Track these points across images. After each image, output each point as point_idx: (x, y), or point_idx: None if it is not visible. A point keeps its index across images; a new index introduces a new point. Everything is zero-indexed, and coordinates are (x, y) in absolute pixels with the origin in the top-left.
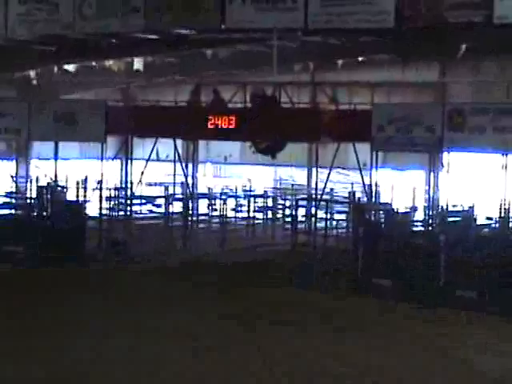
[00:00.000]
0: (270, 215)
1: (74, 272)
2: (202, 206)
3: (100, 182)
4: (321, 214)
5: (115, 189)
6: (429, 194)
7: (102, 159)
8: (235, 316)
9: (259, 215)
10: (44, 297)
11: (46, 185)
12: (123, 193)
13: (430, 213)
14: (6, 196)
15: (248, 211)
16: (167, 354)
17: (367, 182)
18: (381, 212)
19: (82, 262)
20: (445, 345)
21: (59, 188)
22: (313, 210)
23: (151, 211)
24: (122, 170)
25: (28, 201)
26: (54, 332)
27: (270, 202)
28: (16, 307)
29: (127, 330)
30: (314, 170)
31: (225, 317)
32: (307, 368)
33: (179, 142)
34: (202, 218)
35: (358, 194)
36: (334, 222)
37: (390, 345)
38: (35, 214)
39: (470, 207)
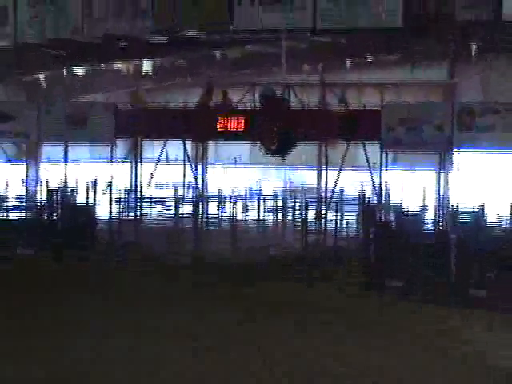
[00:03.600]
0: (279, 216)
1: (79, 272)
2: (212, 207)
3: (110, 184)
4: (331, 214)
5: (125, 191)
6: (439, 194)
7: (111, 161)
8: (236, 316)
9: (269, 216)
10: (47, 297)
11: (55, 187)
12: (133, 195)
13: (441, 213)
14: (16, 199)
15: (258, 212)
16: (167, 354)
17: (377, 182)
18: (391, 212)
19: (92, 263)
20: (445, 344)
21: (69, 190)
22: (323, 211)
23: (161, 213)
24: (131, 172)
25: (38, 204)
26: (54, 332)
27: (279, 204)
28: (23, 307)
29: (128, 330)
30: (323, 170)
31: (225, 317)
32: (307, 368)
33: (189, 143)
34: (212, 219)
35: (368, 195)
36: (344, 223)
37: (391, 344)
38: (45, 216)
39: (480, 207)
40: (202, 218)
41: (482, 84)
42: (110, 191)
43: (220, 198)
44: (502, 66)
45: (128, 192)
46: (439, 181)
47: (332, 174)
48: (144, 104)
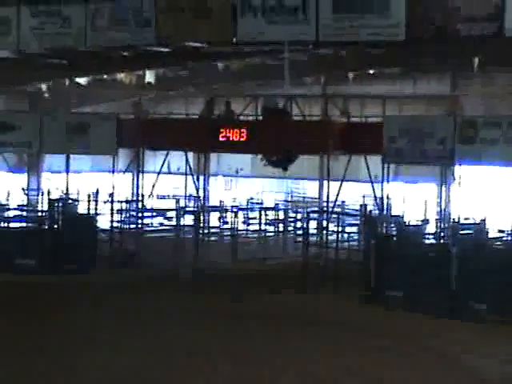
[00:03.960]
0: (281, 228)
1: (83, 284)
2: (214, 218)
3: (111, 195)
4: (332, 226)
5: (126, 201)
6: (440, 207)
7: (113, 172)
8: (242, 331)
9: (270, 228)
10: (52, 311)
11: (57, 198)
12: (134, 205)
13: (442, 225)
14: (17, 209)
15: (259, 224)
16: (180, 373)
17: (379, 194)
18: (392, 225)
19: (94, 274)
20: (457, 356)
21: (70, 201)
22: (324, 223)
23: (162, 224)
24: (133, 182)
25: (39, 214)
26: (66, 351)
27: (281, 215)
28: (23, 320)
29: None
30: (325, 182)
31: (229, 331)
32: (319, 382)
33: (190, 154)
34: (214, 230)
35: (369, 207)
36: (346, 235)
37: (402, 357)
38: (46, 226)
39: (481, 220)
40: (203, 229)
41: (485, 97)
42: (112, 201)
43: (221, 209)
44: (504, 79)
45: (129, 202)
46: (440, 194)
47: (333, 185)
48: (146, 114)
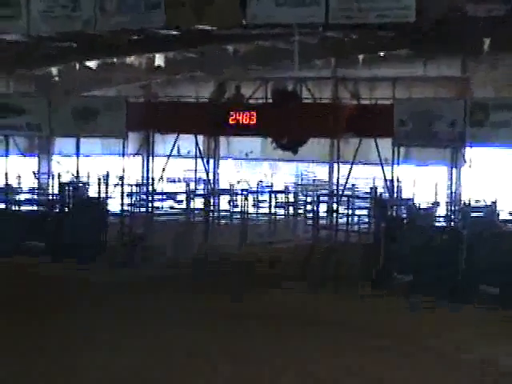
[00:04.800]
0: (291, 211)
1: (82, 283)
2: (224, 202)
3: (121, 178)
4: (342, 209)
5: (136, 185)
6: (451, 190)
7: (123, 155)
8: (242, 331)
9: (280, 211)
10: (52, 311)
11: (67, 181)
12: (144, 189)
13: (453, 208)
14: (28, 192)
15: (269, 207)
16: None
17: (389, 177)
18: (403, 207)
19: (104, 258)
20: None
21: (81, 184)
22: (334, 206)
23: (172, 207)
24: (143, 166)
25: (50, 197)
26: (66, 351)
27: (291, 198)
28: (23, 320)
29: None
30: (335, 165)
31: (229, 331)
32: (319, 382)
33: (200, 138)
34: (223, 213)
35: (379, 190)
36: (356, 218)
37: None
38: (57, 210)
39: (492, 202)
40: (213, 212)
41: (495, 79)
42: (122, 185)
43: (231, 192)
44: None
45: (139, 186)
46: (451, 176)
47: (343, 168)
48: (156, 98)
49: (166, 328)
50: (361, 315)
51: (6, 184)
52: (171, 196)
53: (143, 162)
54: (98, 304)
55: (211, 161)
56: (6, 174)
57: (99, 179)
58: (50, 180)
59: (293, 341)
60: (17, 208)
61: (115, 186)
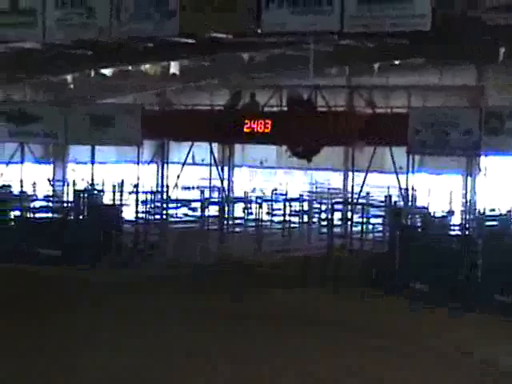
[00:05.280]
0: (305, 219)
1: (83, 283)
2: (238, 209)
3: (136, 186)
4: (357, 217)
5: (151, 192)
6: (466, 198)
7: (138, 163)
8: (242, 331)
9: (295, 219)
10: (52, 311)
11: (82, 188)
12: (159, 196)
13: (467, 217)
14: (43, 199)
15: (284, 215)
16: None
17: (404, 185)
18: (417, 216)
19: (118, 265)
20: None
21: (96, 192)
22: (349, 214)
23: (187, 215)
24: (158, 173)
25: (65, 204)
26: (66, 351)
27: (305, 206)
28: (23, 320)
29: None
30: (350, 173)
31: (229, 331)
32: (319, 382)
33: (215, 145)
34: (238, 221)
35: (394, 198)
36: (370, 226)
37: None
38: (72, 217)
39: (507, 211)
40: (227, 220)
41: (510, 88)
42: (137, 192)
43: (246, 200)
44: None
45: (154, 193)
46: (466, 185)
47: (358, 177)
48: (171, 105)
49: (166, 328)
50: (361, 315)
51: (21, 191)
52: (186, 204)
53: (158, 169)
54: (98, 304)
55: (226, 169)
56: (22, 182)
57: (114, 187)
58: (65, 187)
59: (293, 341)
60: (32, 215)
61: (130, 193)
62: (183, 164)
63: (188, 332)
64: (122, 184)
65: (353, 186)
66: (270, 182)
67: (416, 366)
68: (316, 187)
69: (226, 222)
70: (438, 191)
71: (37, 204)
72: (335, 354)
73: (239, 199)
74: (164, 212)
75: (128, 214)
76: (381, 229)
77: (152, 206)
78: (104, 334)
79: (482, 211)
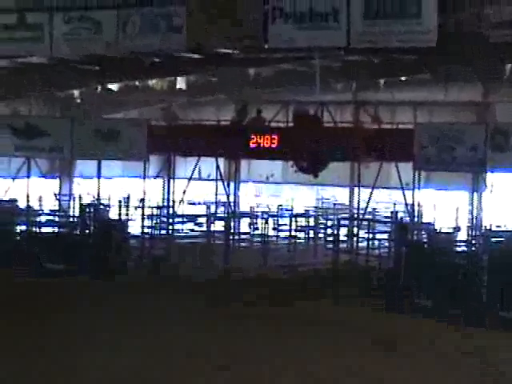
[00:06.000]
0: (311, 235)
1: (83, 284)
2: (244, 225)
3: (142, 201)
4: (363, 233)
5: (157, 207)
6: (472, 215)
7: (144, 178)
8: (242, 331)
9: (301, 235)
10: (52, 311)
11: (88, 203)
12: (165, 211)
13: (473, 233)
14: (49, 214)
15: (290, 230)
16: (180, 374)
17: (410, 201)
18: (423, 232)
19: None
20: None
21: (102, 206)
22: (355, 230)
23: (193, 230)
24: (163, 188)
25: (71, 219)
26: (66, 351)
27: (311, 222)
28: (23, 320)
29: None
30: (356, 189)
31: (238, 334)
32: (319, 382)
33: (221, 160)
34: (244, 236)
35: (400, 214)
36: (376, 242)
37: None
38: (78, 232)
39: None
40: (233, 236)
41: None
42: (143, 207)
43: (252, 215)
44: None
45: (160, 208)
46: (472, 201)
47: (364, 192)
48: (177, 120)
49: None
50: (361, 315)
51: (28, 206)
52: (192, 218)
53: (164, 184)
54: (98, 304)
55: (232, 184)
56: (28, 196)
57: (120, 201)
58: (71, 202)
59: (293, 341)
60: (38, 230)
61: (136, 208)
62: (189, 179)
63: (188, 332)
64: (127, 199)
65: (359, 202)
66: (276, 197)
67: (416, 366)
68: (322, 203)
69: (231, 237)
70: (444, 207)
71: (43, 218)
72: (335, 353)
73: (245, 214)
74: (170, 227)
75: (134, 228)
76: (387, 244)
77: (158, 220)
78: (104, 333)
79: (488, 227)
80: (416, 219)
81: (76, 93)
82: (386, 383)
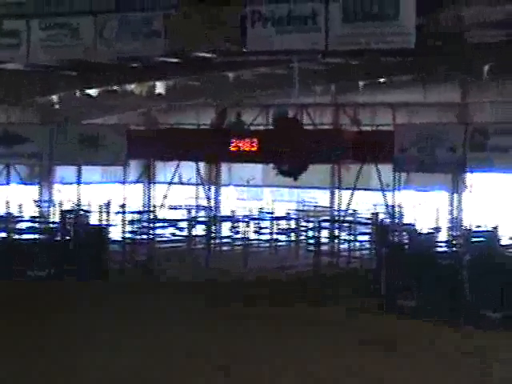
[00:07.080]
0: (293, 237)
1: (83, 284)
2: (225, 228)
3: (123, 206)
4: (344, 235)
5: (138, 212)
6: (452, 215)
7: (124, 183)
8: (242, 331)
9: (282, 237)
10: (52, 311)
11: (69, 209)
12: (146, 216)
13: (454, 233)
14: (29, 220)
15: (271, 233)
16: (180, 374)
17: (390, 202)
18: (404, 233)
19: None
20: (457, 356)
21: (82, 212)
22: (336, 232)
23: (174, 234)
24: (144, 193)
25: (51, 225)
26: (66, 351)
27: (292, 224)
28: (23, 320)
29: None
30: (336, 191)
31: (233, 334)
32: (319, 382)
33: (201, 165)
34: (225, 240)
35: (381, 215)
36: (358, 244)
37: (402, 357)
38: (58, 238)
39: (493, 228)
40: (214, 239)
41: (495, 105)
42: (123, 212)
43: (233, 219)
44: None
45: (141, 213)
46: (452, 202)
47: (345, 194)
48: (157, 125)
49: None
50: (361, 315)
51: (7, 212)
52: (173, 223)
53: (144, 189)
54: (98, 304)
55: (212, 188)
56: (7, 203)
57: (100, 207)
58: (51, 208)
59: (293, 341)
60: (18, 236)
61: (116, 213)
62: (170, 183)
63: (188, 332)
64: (108, 204)
65: (339, 204)
66: (257, 200)
67: (416, 366)
68: (303, 205)
69: (212, 240)
70: (424, 208)
71: (23, 225)
72: (335, 354)
73: (226, 218)
74: (151, 232)
75: (115, 234)
76: (368, 246)
77: (139, 225)
78: (104, 333)
79: (468, 227)
80: (397, 220)
81: (55, 99)
82: (386, 383)
